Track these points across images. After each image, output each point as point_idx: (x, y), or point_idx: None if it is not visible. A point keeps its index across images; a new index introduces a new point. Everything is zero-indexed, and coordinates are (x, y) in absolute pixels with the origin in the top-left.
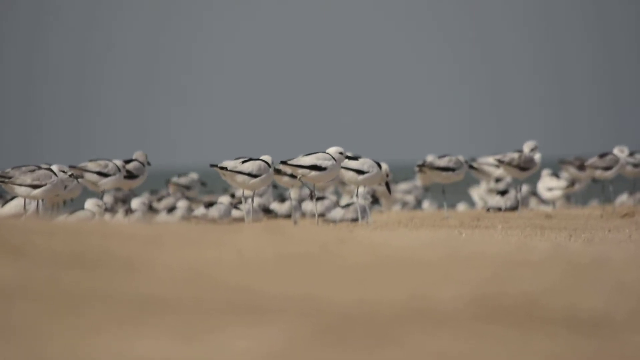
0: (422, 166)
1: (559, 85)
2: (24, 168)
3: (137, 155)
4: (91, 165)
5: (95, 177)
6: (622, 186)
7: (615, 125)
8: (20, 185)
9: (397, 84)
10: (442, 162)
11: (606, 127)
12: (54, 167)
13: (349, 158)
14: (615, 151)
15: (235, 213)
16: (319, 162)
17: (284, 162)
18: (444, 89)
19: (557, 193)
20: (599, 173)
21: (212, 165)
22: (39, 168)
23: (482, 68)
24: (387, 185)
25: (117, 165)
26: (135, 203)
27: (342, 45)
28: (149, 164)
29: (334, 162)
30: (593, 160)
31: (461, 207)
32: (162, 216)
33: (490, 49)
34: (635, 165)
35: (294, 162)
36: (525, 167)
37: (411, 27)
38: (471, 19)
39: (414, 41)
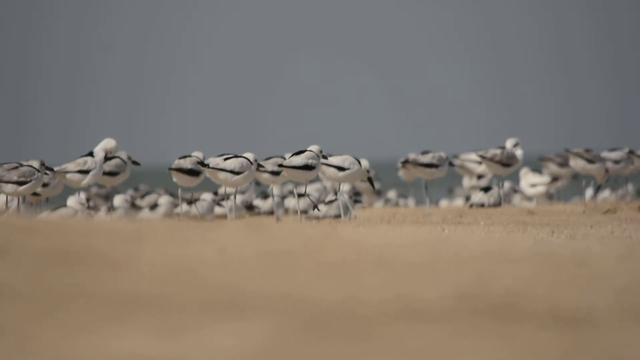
0: (406, 162)
1: (558, 85)
2: (6, 165)
3: (120, 154)
4: (71, 166)
5: (77, 176)
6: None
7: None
8: (7, 182)
9: (389, 81)
10: (426, 159)
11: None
12: (34, 163)
13: (324, 157)
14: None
15: (218, 210)
16: (309, 162)
17: (280, 165)
18: (434, 87)
19: (541, 189)
20: (581, 164)
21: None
22: (21, 165)
23: (477, 66)
24: (370, 181)
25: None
26: (117, 200)
27: (337, 38)
28: (137, 163)
29: (318, 160)
30: (578, 150)
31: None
32: (145, 213)
33: (491, 47)
34: (616, 162)
35: (287, 163)
36: (507, 164)
37: (408, 20)
38: (470, 18)
39: (411, 35)
